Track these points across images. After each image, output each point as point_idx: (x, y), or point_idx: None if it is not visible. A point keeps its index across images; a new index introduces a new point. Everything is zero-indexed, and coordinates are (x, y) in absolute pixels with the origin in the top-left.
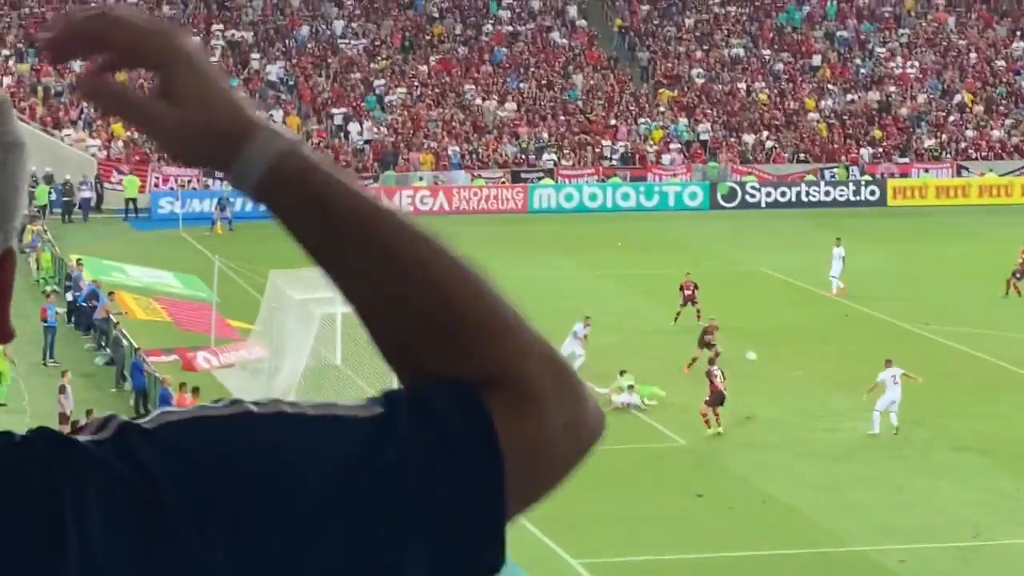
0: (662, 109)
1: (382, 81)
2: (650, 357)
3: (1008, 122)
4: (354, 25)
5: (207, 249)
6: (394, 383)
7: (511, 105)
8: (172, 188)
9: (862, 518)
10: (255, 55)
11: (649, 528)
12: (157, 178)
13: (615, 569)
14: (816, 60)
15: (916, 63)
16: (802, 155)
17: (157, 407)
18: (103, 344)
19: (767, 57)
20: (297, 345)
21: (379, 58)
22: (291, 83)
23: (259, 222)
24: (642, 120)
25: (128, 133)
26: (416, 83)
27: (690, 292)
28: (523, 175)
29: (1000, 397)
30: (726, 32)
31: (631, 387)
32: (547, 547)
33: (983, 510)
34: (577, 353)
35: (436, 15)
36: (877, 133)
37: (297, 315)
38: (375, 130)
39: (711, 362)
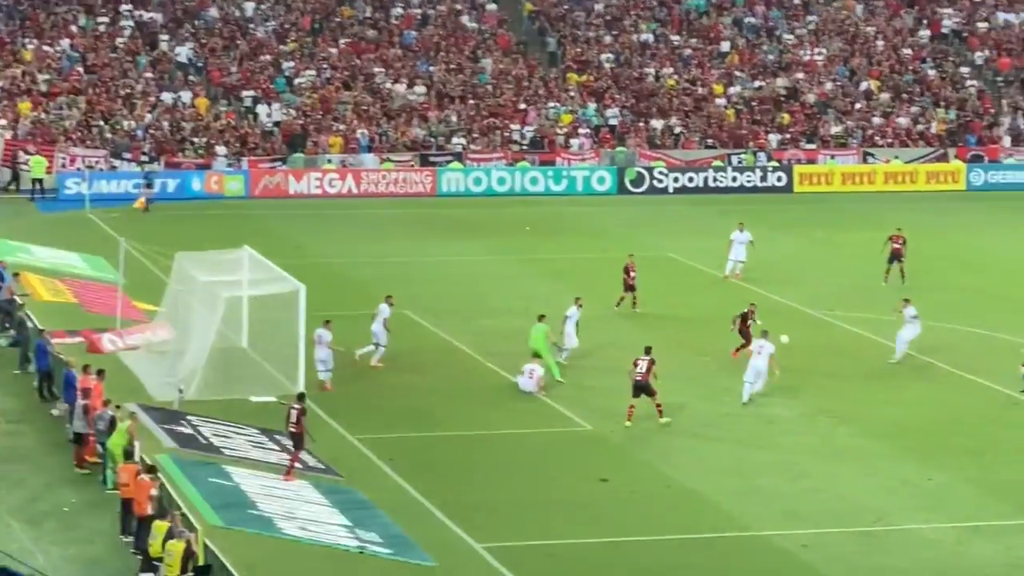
0: (571, 94)
1: (291, 63)
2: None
3: (914, 109)
4: (264, 7)
5: (114, 230)
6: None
7: (420, 88)
8: (79, 169)
9: (766, 503)
10: (164, 36)
11: (554, 513)
12: (64, 159)
13: (520, 553)
14: (725, 46)
15: (823, 50)
16: (710, 141)
17: (61, 389)
18: (7, 325)
19: (676, 43)
20: (202, 327)
21: (288, 40)
22: (200, 65)
23: (170, 204)
24: (551, 104)
25: (35, 113)
26: (325, 66)
27: (634, 274)
28: (432, 158)
29: (904, 384)
30: (635, 17)
31: (532, 372)
32: (452, 532)
33: (886, 496)
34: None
35: None
36: (785, 119)
37: (203, 297)
38: (284, 112)
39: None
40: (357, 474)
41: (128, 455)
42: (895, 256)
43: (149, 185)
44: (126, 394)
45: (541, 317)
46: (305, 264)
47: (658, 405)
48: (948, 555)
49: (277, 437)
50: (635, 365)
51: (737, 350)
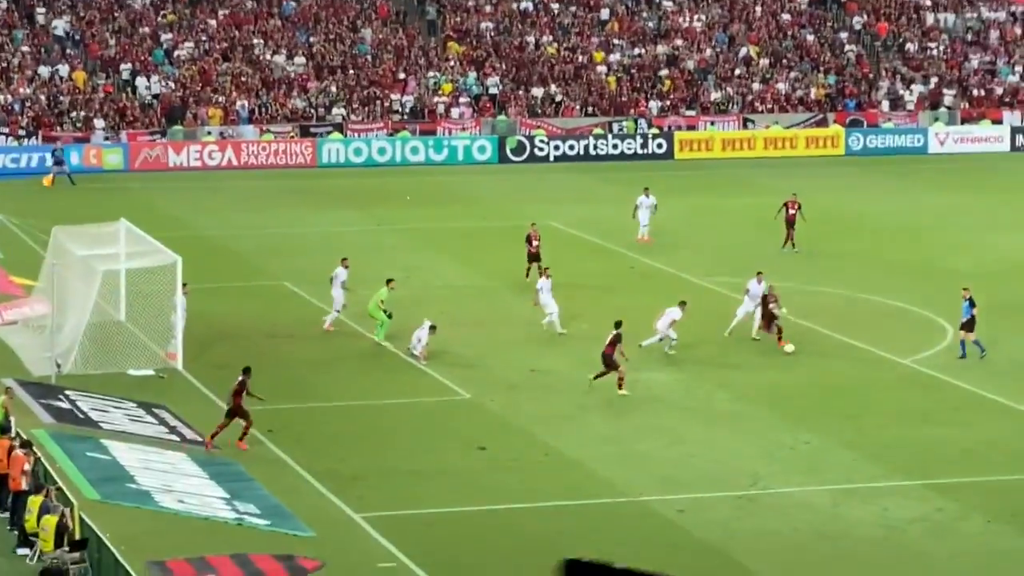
0: (451, 63)
1: (170, 35)
2: (439, 311)
3: (793, 75)
4: None
5: None
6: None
7: (300, 59)
8: None
9: (643, 469)
10: (41, 9)
11: (432, 482)
12: None
13: (398, 523)
14: (604, 14)
15: (703, 17)
16: (591, 108)
17: None
18: None
19: (556, 11)
20: (80, 301)
21: (166, 12)
22: (77, 38)
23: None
24: (431, 74)
25: None
26: (204, 37)
27: (538, 243)
28: (312, 129)
29: (779, 348)
30: None
31: (419, 339)
32: (330, 502)
33: (763, 460)
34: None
35: None
36: (667, 84)
37: (79, 271)
38: (163, 85)
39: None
40: (235, 446)
41: (4, 430)
42: (790, 223)
43: (59, 162)
44: (4, 369)
45: (389, 281)
46: (184, 236)
47: (620, 378)
48: (825, 518)
49: (155, 410)
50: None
51: (779, 339)
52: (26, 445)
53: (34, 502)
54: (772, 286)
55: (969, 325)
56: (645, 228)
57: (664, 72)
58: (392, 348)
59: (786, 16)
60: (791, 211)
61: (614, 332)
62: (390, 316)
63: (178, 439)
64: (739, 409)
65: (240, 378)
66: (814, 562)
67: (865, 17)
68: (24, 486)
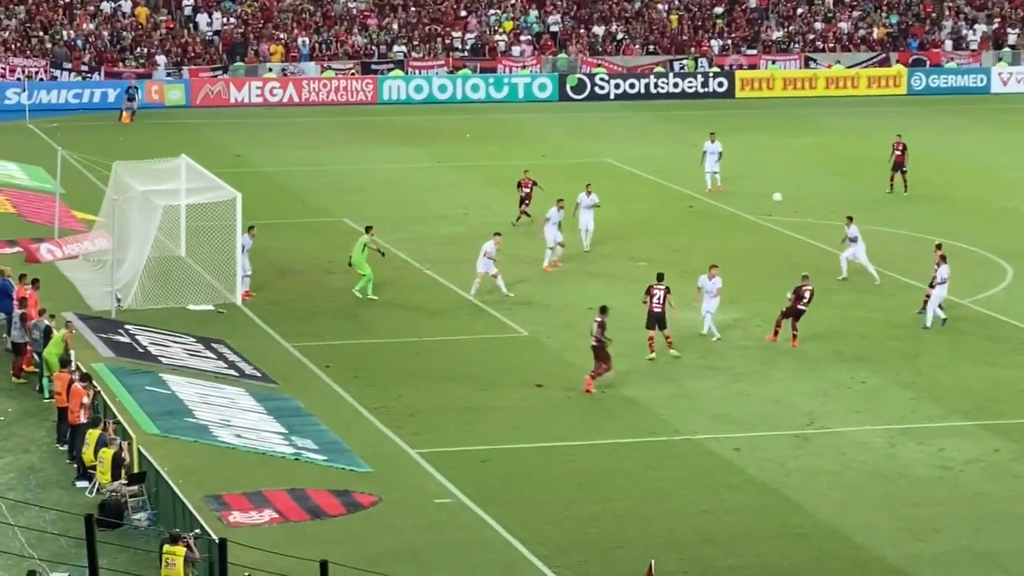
0: (512, 1)
1: None
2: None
3: (855, 14)
4: None
5: (53, 141)
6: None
7: None
8: (19, 79)
9: (699, 408)
10: None
11: (488, 418)
12: (3, 69)
13: (454, 459)
14: None
15: None
16: (652, 47)
17: None
18: None
19: None
20: (140, 236)
21: None
22: None
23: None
24: (492, 12)
25: None
26: None
27: (528, 190)
28: (373, 67)
29: (840, 287)
30: None
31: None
32: (387, 438)
33: (818, 399)
34: (491, 272)
35: None
36: (718, 23)
37: (140, 206)
38: (224, 21)
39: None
40: (293, 381)
41: (64, 364)
42: (898, 165)
43: (131, 99)
44: (64, 304)
45: (368, 228)
46: (244, 173)
47: (667, 337)
48: (880, 457)
49: (214, 345)
50: (650, 295)
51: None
52: (85, 378)
53: (92, 435)
54: (806, 276)
55: None
56: (716, 175)
57: (719, 10)
58: (447, 283)
59: None
60: (897, 152)
61: (663, 287)
62: (383, 254)
63: (237, 374)
64: (792, 350)
65: (599, 318)
66: (869, 501)
67: None
68: (83, 419)
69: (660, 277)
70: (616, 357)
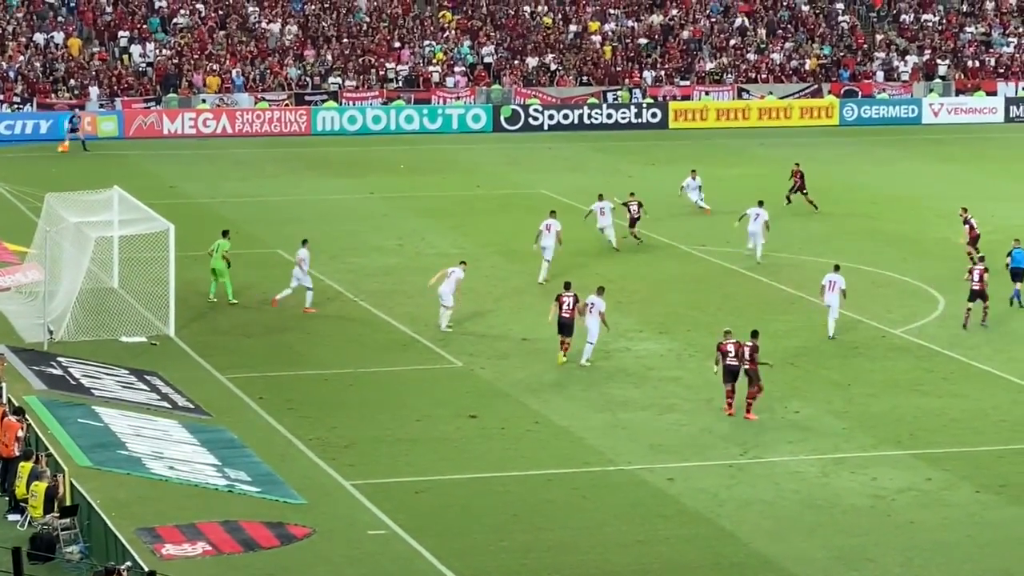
0: (446, 32)
1: (165, 3)
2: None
3: (788, 45)
4: None
5: None
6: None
7: (295, 27)
8: None
9: (633, 438)
10: None
11: (423, 449)
12: None
13: (389, 490)
14: None
15: None
16: (585, 78)
17: None
18: None
19: None
20: (73, 268)
21: None
22: (72, 5)
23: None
24: (426, 43)
25: None
26: (199, 5)
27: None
28: (307, 98)
29: (774, 317)
30: None
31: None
32: (321, 470)
33: (752, 429)
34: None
35: None
36: (650, 56)
37: (72, 238)
38: (158, 52)
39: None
40: (226, 413)
41: None
42: (798, 188)
43: (75, 128)
44: None
45: (225, 233)
46: (178, 204)
47: (566, 343)
48: (813, 486)
49: (147, 377)
50: (559, 302)
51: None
52: (18, 412)
53: (24, 468)
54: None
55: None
56: (701, 205)
57: (643, 41)
58: (380, 314)
59: None
60: (795, 179)
61: (752, 343)
62: (228, 265)
63: (170, 406)
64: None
65: (751, 342)
66: (803, 531)
67: None
68: (16, 452)
69: (567, 286)
70: (547, 388)
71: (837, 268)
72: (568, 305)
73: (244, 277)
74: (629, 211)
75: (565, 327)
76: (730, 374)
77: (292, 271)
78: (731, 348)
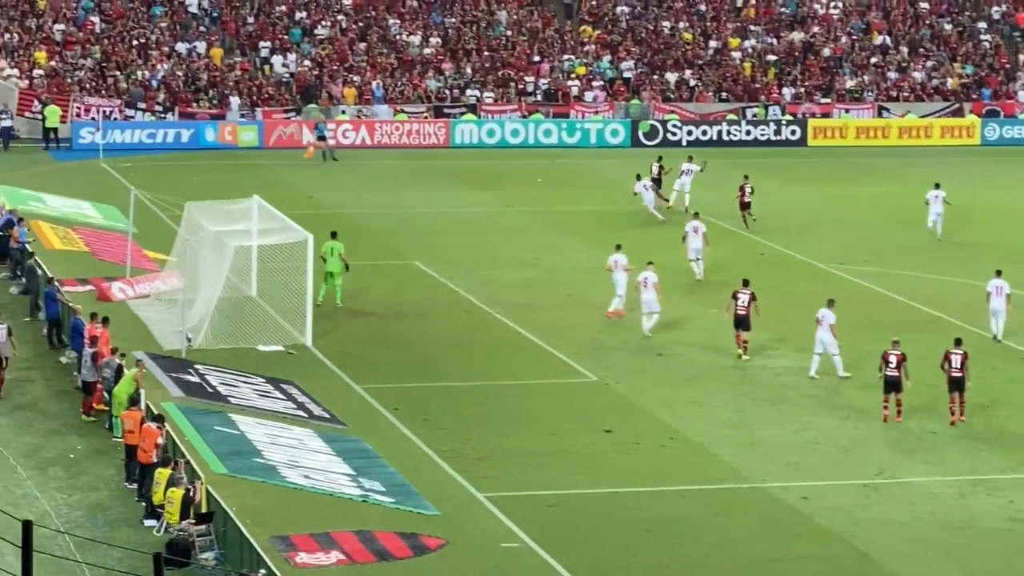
0: (586, 46)
1: (306, 14)
2: (567, 294)
3: (929, 64)
4: None
5: (126, 180)
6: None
7: (435, 40)
8: (93, 119)
9: (767, 455)
10: None
11: (556, 463)
12: (79, 108)
13: (522, 503)
14: (740, 0)
15: (840, 4)
16: (724, 94)
17: (69, 337)
18: (18, 273)
19: None
20: (211, 276)
21: None
22: (215, 15)
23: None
24: (566, 57)
25: (51, 63)
26: (340, 16)
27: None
28: (446, 110)
29: (912, 337)
30: None
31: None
32: (455, 481)
33: (888, 449)
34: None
35: None
36: (793, 71)
37: (212, 246)
38: (299, 63)
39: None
40: (361, 423)
41: (133, 402)
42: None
43: (322, 137)
44: (135, 342)
45: (334, 234)
46: (317, 214)
47: (745, 342)
48: (949, 508)
49: (283, 386)
50: (735, 298)
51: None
52: (158, 419)
53: (162, 474)
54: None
55: None
56: (686, 194)
57: (772, 58)
58: (516, 327)
59: (924, 5)
60: (740, 194)
61: (748, 292)
62: (347, 268)
63: (305, 415)
64: (865, 397)
65: (959, 350)
66: (938, 552)
67: (1004, 7)
68: (154, 459)
69: (745, 283)
70: (682, 403)
71: (999, 273)
72: (743, 302)
73: (381, 288)
74: (743, 193)
75: (741, 322)
76: (889, 384)
77: (613, 278)
78: (893, 359)
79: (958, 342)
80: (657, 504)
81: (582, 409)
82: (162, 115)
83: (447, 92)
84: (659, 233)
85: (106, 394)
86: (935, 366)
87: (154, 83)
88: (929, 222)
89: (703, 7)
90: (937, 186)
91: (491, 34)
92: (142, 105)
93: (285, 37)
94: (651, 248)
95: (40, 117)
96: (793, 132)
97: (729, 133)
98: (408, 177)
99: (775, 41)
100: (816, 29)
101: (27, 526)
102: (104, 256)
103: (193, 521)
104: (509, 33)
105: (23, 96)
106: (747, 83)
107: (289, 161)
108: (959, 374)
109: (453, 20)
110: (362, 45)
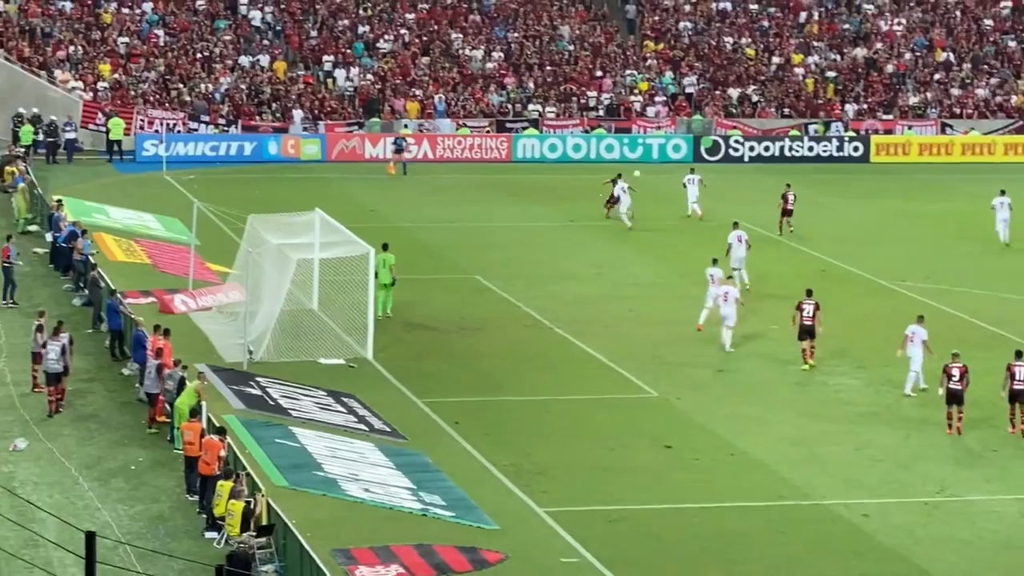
0: (648, 62)
1: (369, 28)
2: (628, 309)
3: (993, 81)
4: None
5: (189, 192)
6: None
7: (497, 55)
8: (157, 131)
9: (828, 472)
10: (243, 0)
11: (617, 478)
12: (142, 121)
13: (582, 518)
14: (803, 16)
15: (903, 20)
16: (787, 110)
17: (132, 348)
18: (81, 285)
19: (754, 12)
20: (273, 289)
21: (366, 5)
22: (279, 29)
23: (246, 167)
24: (628, 72)
25: (115, 76)
26: (403, 31)
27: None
28: (508, 125)
29: (972, 354)
30: None
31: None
32: (515, 496)
33: (950, 466)
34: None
35: None
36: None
37: (274, 259)
38: (362, 77)
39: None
40: (422, 437)
41: (194, 414)
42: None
43: (400, 150)
44: (196, 355)
45: (385, 246)
46: (378, 228)
47: (812, 348)
48: (1012, 527)
49: (344, 400)
50: (800, 309)
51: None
52: (220, 432)
53: (223, 487)
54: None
55: None
56: (695, 205)
57: (831, 74)
58: (577, 342)
59: (988, 22)
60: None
61: (812, 302)
62: (394, 283)
63: (366, 428)
64: (926, 414)
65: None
66: (999, 572)
67: None
68: (216, 471)
69: (809, 293)
70: (743, 420)
71: None
72: (808, 312)
73: (442, 302)
74: (786, 201)
75: (806, 331)
76: (952, 397)
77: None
78: (956, 371)
79: (1019, 355)
80: (717, 520)
81: (643, 425)
82: (225, 128)
83: (509, 107)
84: (719, 248)
85: (168, 406)
86: (996, 383)
87: (217, 96)
88: (997, 228)
89: (766, 23)
90: (1003, 192)
91: (553, 49)
92: (205, 118)
93: (348, 51)
94: (705, 264)
95: (104, 129)
96: (856, 148)
97: (791, 149)
98: (470, 191)
99: (839, 57)
100: (879, 45)
101: (90, 537)
102: (166, 268)
103: (254, 533)
104: (572, 48)
105: (87, 108)
106: (809, 99)
107: (351, 174)
108: (1022, 386)
109: (516, 35)
110: (425, 59)
